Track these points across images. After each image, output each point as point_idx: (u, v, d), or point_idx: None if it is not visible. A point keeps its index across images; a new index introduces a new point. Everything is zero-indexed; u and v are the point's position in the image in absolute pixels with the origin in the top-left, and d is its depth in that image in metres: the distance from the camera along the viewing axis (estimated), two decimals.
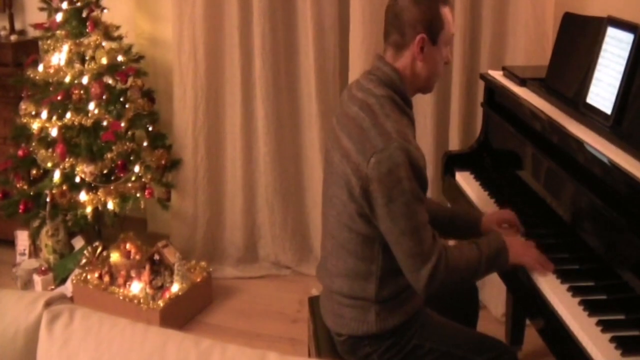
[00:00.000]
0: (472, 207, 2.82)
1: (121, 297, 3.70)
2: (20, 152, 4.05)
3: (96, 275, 3.88)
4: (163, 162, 4.18)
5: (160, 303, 3.64)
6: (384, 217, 2.05)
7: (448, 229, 2.52)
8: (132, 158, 4.01)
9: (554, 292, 2.07)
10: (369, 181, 2.03)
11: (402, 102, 2.19)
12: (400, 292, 2.23)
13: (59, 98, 3.91)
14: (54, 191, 3.91)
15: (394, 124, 2.07)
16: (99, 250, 4.03)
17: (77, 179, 3.93)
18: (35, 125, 3.94)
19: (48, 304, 1.68)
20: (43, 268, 4.13)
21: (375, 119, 2.09)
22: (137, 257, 3.99)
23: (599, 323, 1.89)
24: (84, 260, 3.98)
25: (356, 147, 2.08)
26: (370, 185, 2.03)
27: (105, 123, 3.93)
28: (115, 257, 3.96)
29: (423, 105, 3.73)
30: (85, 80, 3.93)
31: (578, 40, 2.67)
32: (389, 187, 2.00)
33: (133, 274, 3.86)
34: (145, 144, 4.03)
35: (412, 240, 2.05)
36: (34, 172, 4.04)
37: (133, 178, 4.00)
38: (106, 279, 3.87)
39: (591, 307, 1.96)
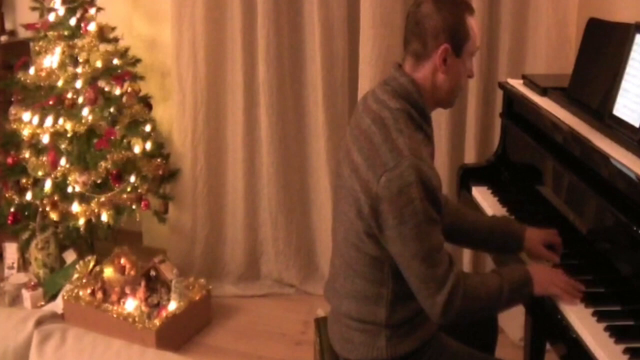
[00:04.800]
0: (511, 220, 2.69)
1: (115, 315, 3.70)
2: (9, 160, 4.06)
3: (88, 291, 3.87)
4: (160, 172, 4.18)
5: (156, 322, 3.64)
6: (394, 239, 2.04)
7: (486, 240, 2.51)
8: (127, 167, 4.01)
9: (578, 316, 2.06)
10: (379, 200, 2.01)
11: (418, 116, 2.16)
12: (414, 317, 2.22)
13: (50, 103, 3.93)
14: (44, 201, 3.91)
15: (406, 140, 2.05)
16: (91, 265, 4.02)
17: (69, 189, 3.92)
18: (26, 132, 3.94)
19: (39, 323, 1.68)
20: (32, 283, 4.13)
21: (387, 134, 2.07)
22: (132, 272, 3.98)
23: (626, 351, 1.88)
24: (75, 276, 3.97)
25: (366, 163, 2.07)
26: (380, 205, 2.01)
27: (99, 130, 3.93)
28: (108, 272, 3.96)
29: (437, 115, 3.72)
30: (78, 84, 3.95)
31: (603, 47, 2.66)
32: (400, 207, 1.99)
33: (127, 290, 3.85)
34: (141, 152, 4.03)
35: (425, 264, 2.03)
36: (24, 181, 4.04)
37: (128, 189, 3.99)
38: (99, 295, 3.86)
39: (618, 334, 1.95)
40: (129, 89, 4.10)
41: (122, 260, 4.02)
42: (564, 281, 2.17)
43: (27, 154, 4.01)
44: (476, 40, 2.21)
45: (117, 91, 4.08)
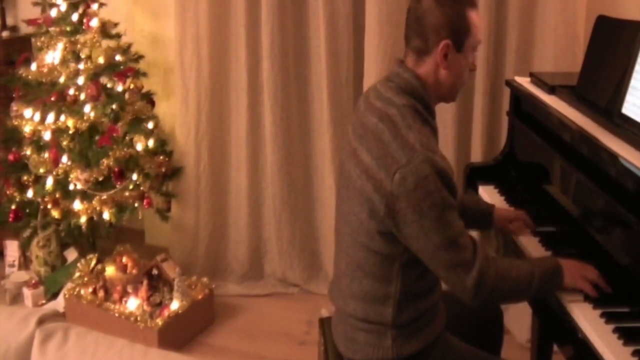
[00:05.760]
0: (480, 199, 2.89)
1: (116, 314, 3.70)
2: (10, 157, 4.06)
3: (90, 290, 3.88)
4: (163, 169, 4.19)
5: (159, 321, 3.64)
6: (416, 234, 2.04)
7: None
8: (129, 165, 4.01)
9: (586, 318, 2.05)
10: (395, 199, 2.01)
11: (424, 111, 2.17)
12: (420, 317, 2.22)
13: (52, 99, 3.93)
14: (46, 199, 3.91)
15: (417, 135, 2.05)
16: (93, 263, 4.03)
17: (71, 187, 3.93)
18: (27, 128, 3.94)
19: (41, 321, 1.69)
20: (33, 281, 4.14)
21: (396, 131, 2.07)
22: (134, 271, 3.98)
23: (635, 353, 1.88)
24: (77, 274, 3.98)
25: (377, 162, 2.07)
26: (396, 203, 2.01)
27: (101, 127, 3.93)
28: (110, 271, 3.97)
29: (444, 113, 3.71)
30: (80, 80, 3.95)
31: (612, 45, 2.66)
32: (418, 202, 1.99)
33: (129, 289, 3.86)
34: (144, 150, 4.03)
35: (451, 251, 2.05)
36: (25, 178, 4.04)
37: (131, 186, 3.99)
38: (100, 294, 3.87)
39: (627, 336, 1.94)
40: (132, 86, 4.10)
41: (124, 259, 4.03)
42: (595, 274, 2.18)
43: (28, 151, 4.01)
44: (478, 33, 2.21)
45: (120, 88, 4.08)
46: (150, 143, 4.08)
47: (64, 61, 3.99)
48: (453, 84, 2.23)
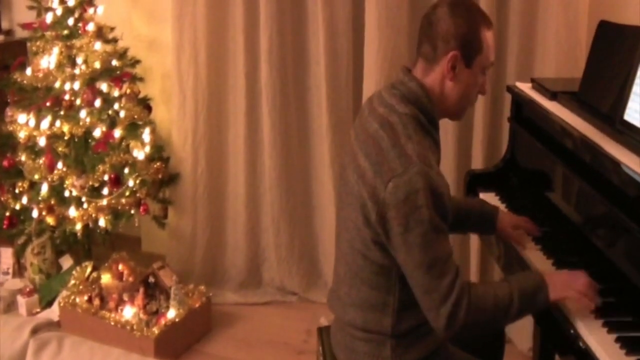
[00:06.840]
0: (485, 202, 2.84)
1: (112, 323, 3.68)
2: (5, 163, 4.06)
3: (85, 298, 3.87)
4: (160, 176, 4.18)
5: (155, 330, 3.62)
6: (399, 247, 2.03)
7: (463, 222, 2.58)
8: (126, 171, 4.01)
9: (588, 327, 2.05)
10: (385, 207, 2.00)
11: (427, 122, 2.16)
12: (420, 326, 2.21)
13: (47, 104, 3.93)
14: (41, 205, 3.91)
15: (415, 147, 2.04)
16: (88, 270, 4.02)
17: (66, 193, 3.93)
18: (22, 134, 3.94)
19: (35, 330, 1.70)
20: (28, 289, 4.12)
21: (396, 139, 2.06)
22: (130, 279, 3.98)
23: None
24: (72, 282, 3.97)
25: (373, 168, 2.06)
26: (387, 212, 2.00)
27: (97, 132, 3.93)
28: (106, 278, 3.96)
29: (444, 119, 3.70)
30: (76, 85, 3.95)
31: (615, 51, 2.66)
32: (406, 214, 1.97)
33: (125, 297, 3.85)
34: (140, 156, 4.02)
35: (429, 274, 2.01)
36: (20, 184, 4.03)
37: (127, 193, 3.99)
38: (96, 302, 3.86)
39: (629, 346, 1.94)
40: (128, 91, 4.10)
41: (120, 266, 4.03)
42: (583, 284, 2.13)
43: (23, 157, 4.01)
44: (490, 54, 2.20)
45: (116, 93, 4.08)
46: (147, 149, 4.07)
47: (59, 66, 3.99)
48: (459, 99, 2.22)
